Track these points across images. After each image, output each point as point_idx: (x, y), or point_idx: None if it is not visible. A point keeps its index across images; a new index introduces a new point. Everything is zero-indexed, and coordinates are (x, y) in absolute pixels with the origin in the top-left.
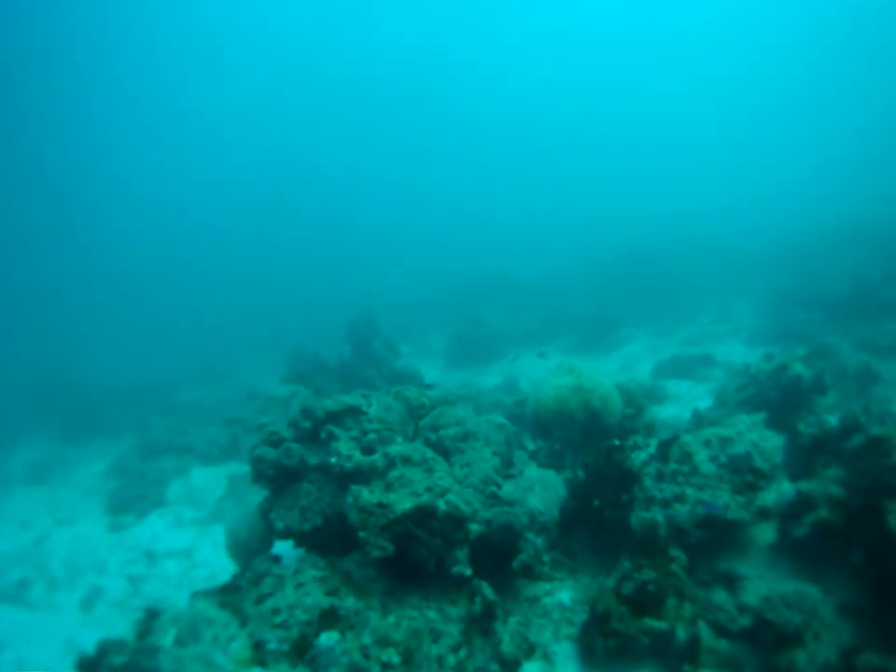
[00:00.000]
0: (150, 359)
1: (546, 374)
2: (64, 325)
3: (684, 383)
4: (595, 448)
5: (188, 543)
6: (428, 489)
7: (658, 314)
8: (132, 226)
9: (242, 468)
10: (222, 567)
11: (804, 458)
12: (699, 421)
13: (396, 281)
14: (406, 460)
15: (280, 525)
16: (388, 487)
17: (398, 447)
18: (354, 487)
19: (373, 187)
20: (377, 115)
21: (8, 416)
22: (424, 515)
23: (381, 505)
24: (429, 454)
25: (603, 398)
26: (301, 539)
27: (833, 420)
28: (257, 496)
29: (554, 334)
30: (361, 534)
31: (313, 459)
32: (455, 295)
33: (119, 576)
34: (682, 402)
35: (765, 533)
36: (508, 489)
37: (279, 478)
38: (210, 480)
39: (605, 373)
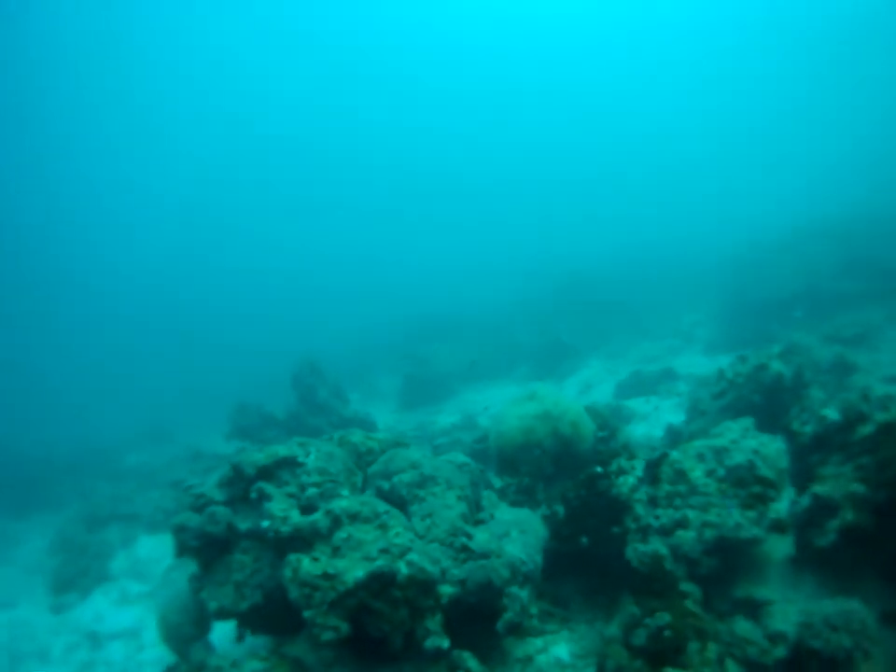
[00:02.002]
0: (90, 425)
1: (507, 404)
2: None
3: (649, 399)
4: (572, 478)
5: (134, 622)
6: (384, 550)
7: (610, 336)
8: (60, 286)
9: None
10: None
11: (804, 459)
12: (675, 436)
13: (341, 329)
14: (354, 517)
15: (213, 605)
16: (335, 552)
17: (342, 502)
18: (292, 557)
19: (311, 236)
20: (316, 158)
21: None
22: (381, 583)
23: (327, 576)
24: (382, 507)
25: (573, 423)
26: (241, 619)
27: (831, 413)
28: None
29: (507, 367)
30: (306, 614)
31: (244, 524)
32: (402, 338)
33: (63, 663)
34: (650, 420)
35: (780, 547)
36: (480, 538)
37: (207, 549)
38: (156, 549)
39: (570, 397)
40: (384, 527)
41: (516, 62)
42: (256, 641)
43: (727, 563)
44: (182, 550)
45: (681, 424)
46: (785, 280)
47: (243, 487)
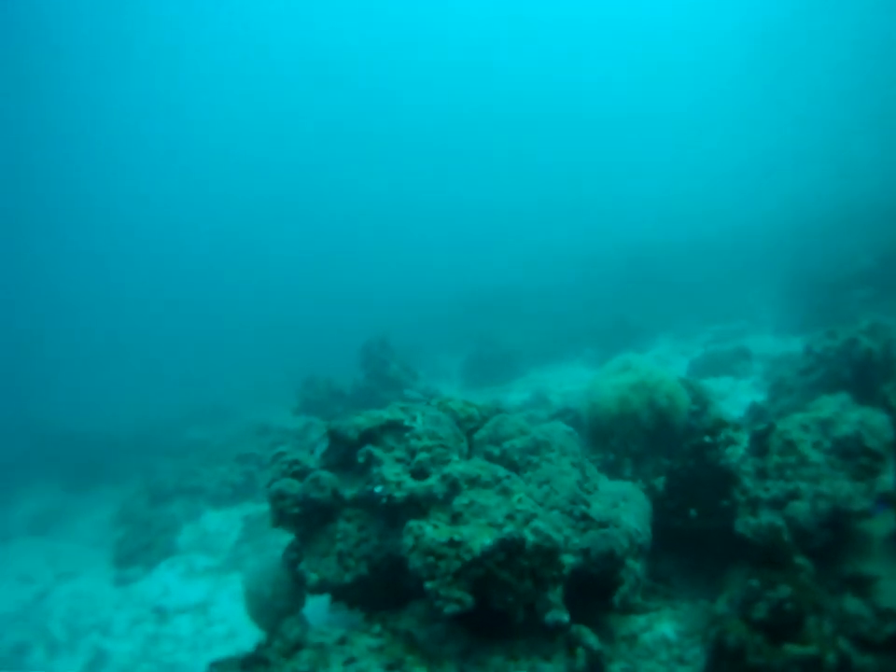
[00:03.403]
0: (152, 402)
1: (600, 374)
2: (58, 370)
3: (724, 379)
4: (667, 452)
5: (202, 596)
6: (509, 517)
7: (675, 317)
8: (117, 264)
9: (258, 507)
10: (243, 623)
11: None
12: (759, 415)
13: (399, 305)
14: (473, 482)
15: (313, 577)
16: (456, 519)
17: (458, 466)
18: (412, 523)
19: (364, 209)
20: (366, 127)
21: (8, 468)
22: (509, 552)
23: (452, 543)
24: (501, 471)
25: (669, 394)
26: (340, 593)
27: None
28: (279, 538)
29: (574, 347)
30: (429, 584)
31: (349, 491)
32: (462, 315)
33: (127, 637)
34: (728, 399)
35: (882, 523)
36: (597, 507)
37: (308, 517)
38: (224, 523)
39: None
40: (506, 492)
41: (567, 50)
42: (349, 617)
43: (834, 537)
44: (280, 519)
45: (765, 402)
46: (850, 257)
47: (342, 453)
